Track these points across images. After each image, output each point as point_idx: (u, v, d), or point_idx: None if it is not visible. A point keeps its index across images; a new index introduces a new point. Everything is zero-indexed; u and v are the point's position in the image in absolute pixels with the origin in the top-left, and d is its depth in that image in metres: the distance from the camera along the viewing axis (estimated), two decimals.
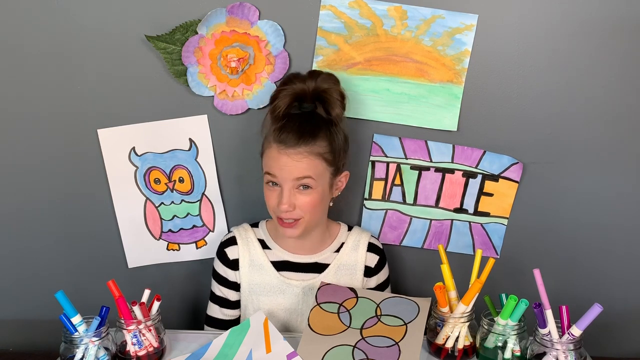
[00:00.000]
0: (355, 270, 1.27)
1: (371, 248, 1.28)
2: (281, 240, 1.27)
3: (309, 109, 1.19)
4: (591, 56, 1.26)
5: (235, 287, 1.28)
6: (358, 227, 1.33)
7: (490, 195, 1.35)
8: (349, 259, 1.27)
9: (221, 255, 1.27)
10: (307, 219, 1.18)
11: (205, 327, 1.32)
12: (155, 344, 1.07)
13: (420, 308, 1.11)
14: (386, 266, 1.31)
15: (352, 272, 1.26)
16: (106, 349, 1.03)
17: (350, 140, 1.27)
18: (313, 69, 1.27)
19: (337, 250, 1.27)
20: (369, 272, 1.28)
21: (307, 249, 1.26)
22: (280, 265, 1.26)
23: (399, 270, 1.41)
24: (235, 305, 1.30)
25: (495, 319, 1.04)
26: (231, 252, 1.27)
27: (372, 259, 1.28)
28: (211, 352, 1.08)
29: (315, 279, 1.24)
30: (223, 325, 1.29)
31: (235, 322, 1.30)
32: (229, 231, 1.31)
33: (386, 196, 1.37)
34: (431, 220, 1.38)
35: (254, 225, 1.30)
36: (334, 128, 1.19)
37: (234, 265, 1.26)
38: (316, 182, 1.16)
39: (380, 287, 1.29)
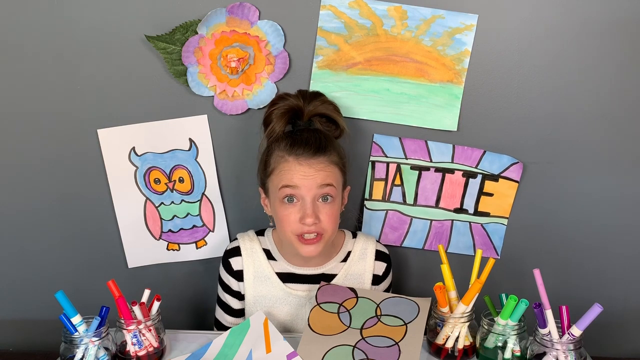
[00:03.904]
0: (363, 280, 1.25)
1: (379, 256, 1.27)
2: (287, 252, 1.24)
3: (303, 127, 1.19)
4: (591, 56, 1.26)
5: (237, 296, 1.26)
6: (362, 233, 1.31)
7: (490, 195, 1.35)
8: (357, 268, 1.25)
9: (226, 264, 1.26)
10: (329, 234, 1.15)
11: (215, 329, 1.32)
12: (155, 344, 1.07)
13: (420, 308, 1.11)
14: (392, 271, 1.30)
15: (360, 282, 1.25)
16: (106, 349, 1.03)
17: (350, 140, 1.27)
18: (301, 89, 1.26)
19: (344, 260, 1.25)
20: (377, 280, 1.27)
21: (313, 262, 1.23)
22: (286, 277, 1.24)
23: (400, 271, 1.41)
24: (237, 313, 1.28)
25: (495, 319, 1.04)
26: (235, 263, 1.25)
27: (380, 267, 1.27)
28: (211, 352, 1.08)
29: None
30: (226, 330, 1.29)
31: None
32: (235, 238, 1.29)
33: (386, 196, 1.37)
34: (431, 220, 1.38)
35: (260, 233, 1.28)
36: (338, 140, 1.21)
37: (237, 276, 1.25)
38: (336, 190, 1.15)
39: (385, 291, 1.28)
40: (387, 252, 1.29)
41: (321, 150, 1.13)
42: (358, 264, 1.25)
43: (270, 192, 1.18)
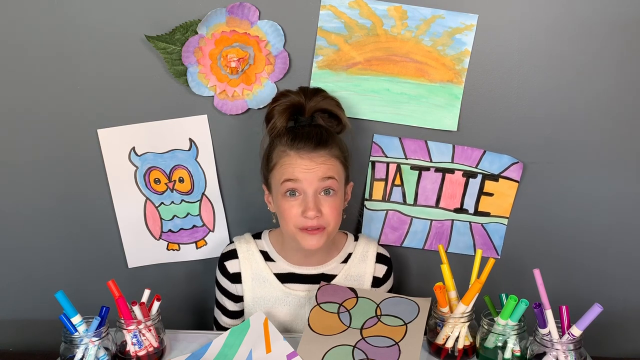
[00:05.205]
0: (363, 282, 1.25)
1: (380, 259, 1.27)
2: (286, 252, 1.24)
3: (305, 123, 1.19)
4: (591, 56, 1.26)
5: (233, 298, 1.27)
6: (364, 236, 1.31)
7: (491, 195, 1.35)
8: (357, 270, 1.25)
9: (222, 267, 1.26)
10: (332, 228, 1.15)
11: (214, 328, 1.33)
12: (155, 344, 1.07)
13: (420, 308, 1.11)
14: (392, 273, 1.30)
15: (359, 284, 1.25)
16: (106, 349, 1.03)
17: (352, 137, 1.27)
18: (302, 86, 1.26)
19: (344, 261, 1.26)
20: (377, 282, 1.27)
21: (313, 261, 1.24)
22: (285, 277, 1.24)
23: (400, 271, 1.41)
24: (233, 315, 1.29)
25: (495, 319, 1.04)
26: (231, 266, 1.25)
27: (381, 270, 1.27)
28: (211, 352, 1.08)
29: None
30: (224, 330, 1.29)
31: None
32: (231, 241, 1.29)
33: (386, 197, 1.37)
34: (432, 220, 1.38)
35: (257, 236, 1.28)
36: (341, 135, 1.21)
37: (234, 278, 1.25)
38: (338, 184, 1.15)
39: None
40: (389, 256, 1.30)
41: (322, 143, 1.13)
42: (358, 266, 1.25)
43: (272, 187, 1.18)
